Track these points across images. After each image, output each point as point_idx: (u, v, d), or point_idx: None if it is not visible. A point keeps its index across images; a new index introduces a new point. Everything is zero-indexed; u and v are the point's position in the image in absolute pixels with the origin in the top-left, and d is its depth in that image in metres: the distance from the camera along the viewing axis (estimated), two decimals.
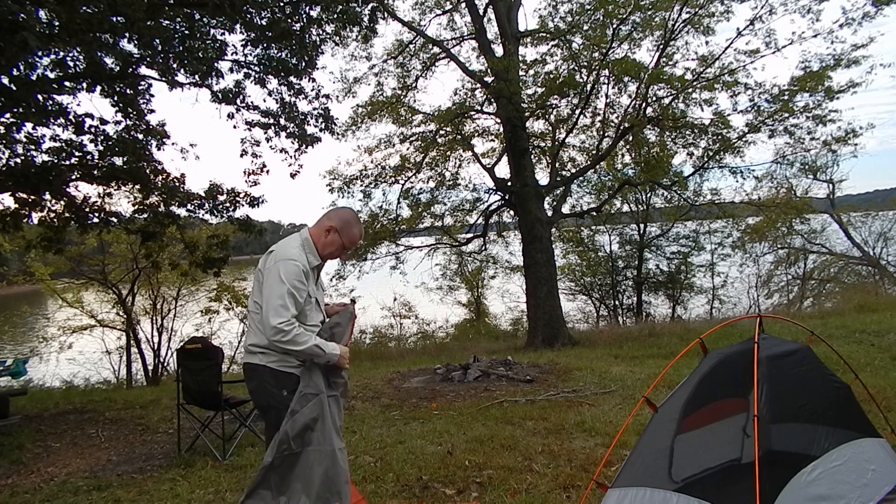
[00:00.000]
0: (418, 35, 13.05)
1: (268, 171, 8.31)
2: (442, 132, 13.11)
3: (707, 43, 11.40)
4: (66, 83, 6.57)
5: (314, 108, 7.97)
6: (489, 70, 12.09)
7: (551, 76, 11.70)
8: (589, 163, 13.13)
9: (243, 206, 7.90)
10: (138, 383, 12.45)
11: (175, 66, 6.92)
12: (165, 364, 13.45)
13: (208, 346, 4.84)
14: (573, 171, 13.82)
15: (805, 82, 10.42)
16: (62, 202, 7.21)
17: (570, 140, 13.48)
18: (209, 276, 10.22)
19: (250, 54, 7.39)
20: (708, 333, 3.29)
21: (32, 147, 6.74)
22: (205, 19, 6.76)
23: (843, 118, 11.21)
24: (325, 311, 2.83)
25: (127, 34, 5.96)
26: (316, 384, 2.59)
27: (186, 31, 6.80)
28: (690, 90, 10.78)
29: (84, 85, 6.68)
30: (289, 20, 6.91)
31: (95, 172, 6.96)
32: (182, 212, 7.78)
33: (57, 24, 5.13)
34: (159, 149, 7.58)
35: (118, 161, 7.11)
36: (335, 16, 7.07)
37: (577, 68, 11.49)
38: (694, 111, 11.39)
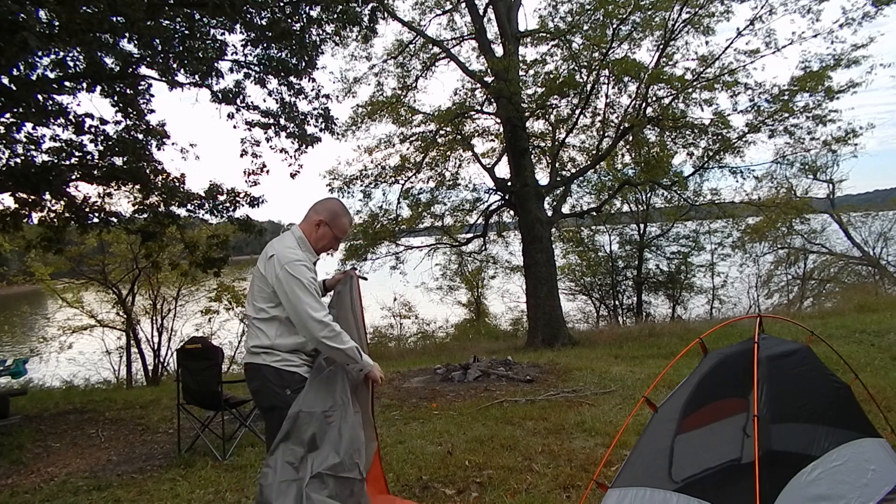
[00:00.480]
0: (418, 35, 13.05)
1: (268, 171, 8.32)
2: (442, 132, 13.12)
3: (707, 43, 11.43)
4: (66, 83, 6.58)
5: (314, 108, 7.99)
6: (489, 70, 12.10)
7: (551, 76, 11.70)
8: (589, 163, 13.13)
9: (243, 206, 7.92)
10: (138, 383, 12.45)
11: (175, 66, 6.92)
12: (165, 364, 13.45)
13: (208, 346, 4.84)
14: (573, 171, 13.82)
15: (805, 82, 10.42)
16: (62, 202, 7.21)
17: (570, 140, 13.50)
18: (209, 276, 10.23)
19: (250, 54, 7.40)
20: (708, 333, 3.29)
21: (32, 147, 6.74)
22: (205, 19, 6.76)
23: (843, 118, 11.26)
24: (326, 285, 2.90)
25: (127, 34, 5.96)
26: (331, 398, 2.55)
27: (186, 31, 6.80)
28: (690, 90, 10.78)
29: (84, 85, 6.68)
30: (289, 20, 6.91)
31: (95, 172, 6.97)
32: (182, 212, 7.79)
33: (57, 24, 5.13)
34: (159, 149, 7.59)
35: (118, 161, 7.11)
36: (335, 16, 7.07)
37: (577, 68, 11.49)
38: (694, 111, 11.41)
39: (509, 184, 12.51)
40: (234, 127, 7.92)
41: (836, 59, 10.38)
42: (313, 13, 7.10)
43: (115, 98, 7.05)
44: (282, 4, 6.88)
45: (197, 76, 7.10)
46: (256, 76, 7.57)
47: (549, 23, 12.32)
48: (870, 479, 2.68)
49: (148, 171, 7.24)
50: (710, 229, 19.40)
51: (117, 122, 7.20)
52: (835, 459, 2.61)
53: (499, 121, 12.80)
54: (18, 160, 6.60)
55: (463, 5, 12.95)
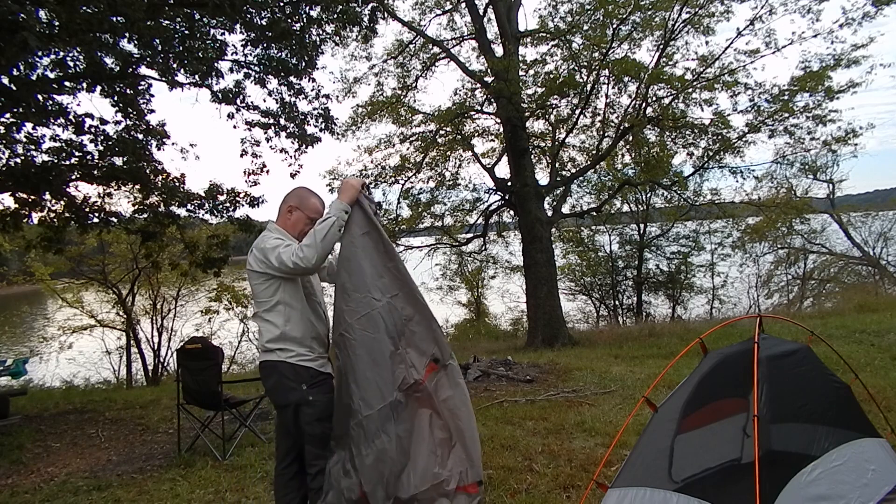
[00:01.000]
0: (418, 35, 13.05)
1: (268, 171, 8.32)
2: (442, 132, 13.12)
3: (707, 43, 11.44)
4: (66, 83, 6.57)
5: (314, 108, 7.99)
6: (489, 70, 12.09)
7: (551, 76, 11.70)
8: (589, 163, 13.13)
9: (243, 206, 7.92)
10: (138, 383, 12.45)
11: (175, 66, 6.92)
12: (165, 364, 13.46)
13: (208, 346, 4.84)
14: (573, 171, 13.82)
15: (805, 82, 10.42)
16: (62, 202, 7.21)
17: (570, 140, 13.50)
18: (209, 276, 10.23)
19: (250, 54, 7.40)
20: (708, 333, 3.29)
21: (32, 147, 6.74)
22: (205, 19, 6.76)
23: (843, 118, 11.26)
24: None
25: (127, 34, 5.96)
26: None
27: (186, 31, 6.80)
28: (690, 90, 10.78)
29: (84, 85, 6.68)
30: (289, 20, 6.91)
31: (95, 172, 6.97)
32: (182, 212, 7.79)
33: (57, 24, 5.13)
34: (159, 149, 7.59)
35: (118, 161, 7.11)
36: (335, 16, 7.06)
37: (577, 68, 11.49)
38: (694, 111, 11.41)
39: (509, 184, 12.51)
40: (234, 127, 7.94)
41: (836, 59, 10.38)
42: (313, 13, 7.10)
43: (115, 98, 7.05)
44: (282, 4, 6.88)
45: (197, 76, 7.10)
46: (256, 76, 7.57)
47: (549, 23, 12.32)
48: (870, 479, 2.68)
49: (148, 171, 7.24)
50: (710, 229, 19.40)
51: (117, 122, 7.21)
52: (835, 459, 2.60)
53: (499, 121, 12.80)
54: (18, 160, 6.60)
55: (463, 5, 12.95)
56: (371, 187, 2.89)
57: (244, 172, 8.17)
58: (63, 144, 6.90)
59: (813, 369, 2.92)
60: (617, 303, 19.80)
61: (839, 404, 2.93)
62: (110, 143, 7.02)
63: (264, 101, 8.62)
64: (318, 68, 7.76)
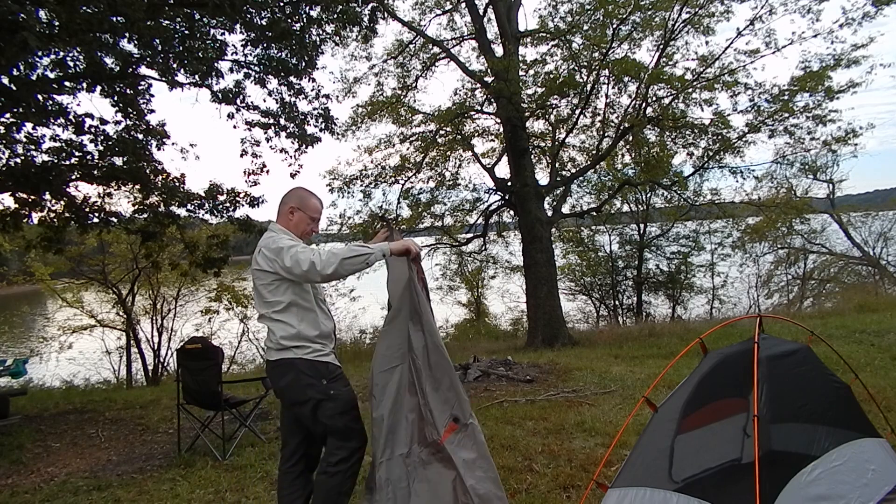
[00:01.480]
0: (418, 35, 13.05)
1: (268, 171, 8.32)
2: (442, 132, 13.11)
3: (707, 43, 11.43)
4: (66, 83, 6.57)
5: (314, 108, 7.98)
6: (489, 70, 12.09)
7: (551, 76, 11.70)
8: (589, 163, 13.13)
9: (243, 206, 7.92)
10: (138, 383, 12.45)
11: (175, 66, 6.92)
12: (165, 364, 13.46)
13: (208, 346, 4.84)
14: (573, 171, 13.82)
15: (805, 82, 10.41)
16: (62, 202, 7.21)
17: (570, 140, 13.49)
18: (209, 276, 10.24)
19: (250, 54, 7.39)
20: (708, 333, 3.29)
21: (32, 147, 6.74)
22: (205, 19, 6.76)
23: (843, 118, 11.25)
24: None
25: (127, 34, 5.96)
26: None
27: (186, 31, 6.80)
28: (690, 90, 10.78)
29: (84, 85, 6.68)
30: (289, 20, 6.91)
31: (95, 172, 6.96)
32: (182, 212, 7.79)
33: (57, 24, 5.13)
34: (159, 149, 7.59)
35: (118, 161, 7.11)
36: (335, 16, 7.06)
37: (577, 68, 11.49)
38: (694, 111, 11.41)
39: (509, 184, 12.51)
40: (234, 127, 7.93)
41: (836, 59, 10.37)
42: (313, 13, 7.10)
43: (115, 98, 7.05)
44: (282, 4, 6.87)
45: (197, 76, 7.10)
46: (256, 76, 7.57)
47: (549, 23, 12.32)
48: (870, 479, 2.68)
49: (148, 171, 7.24)
50: (710, 229, 19.40)
51: (117, 122, 7.21)
52: (835, 459, 2.61)
53: (499, 121, 12.80)
54: (18, 160, 6.60)
55: (463, 5, 12.95)
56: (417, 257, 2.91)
57: (244, 172, 8.18)
58: (63, 144, 6.90)
59: (813, 369, 2.92)
60: (617, 303, 19.80)
61: (839, 404, 2.93)
62: (110, 143, 7.02)
63: (264, 101, 8.63)
64: (318, 68, 7.77)
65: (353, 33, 9.49)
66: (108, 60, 6.56)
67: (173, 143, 7.74)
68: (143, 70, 7.13)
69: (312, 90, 7.91)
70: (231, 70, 7.46)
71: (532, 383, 6.71)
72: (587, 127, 13.13)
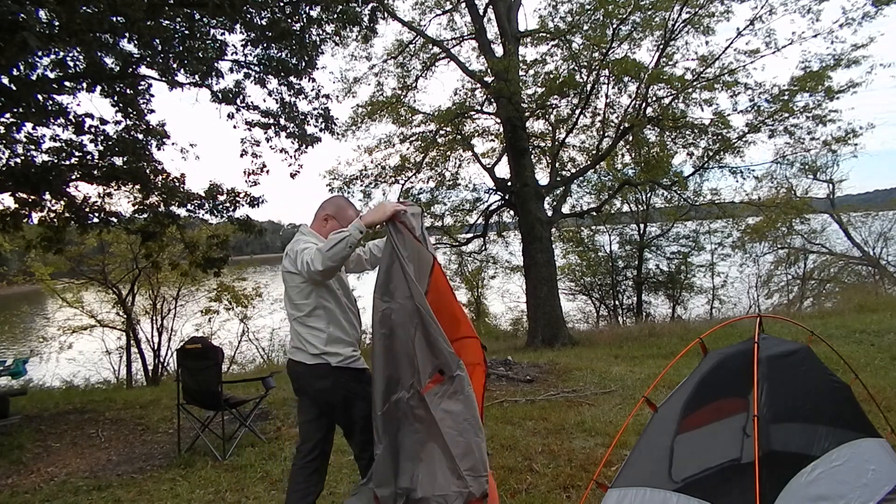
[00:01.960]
0: (418, 35, 13.06)
1: (268, 171, 8.31)
2: (442, 132, 13.12)
3: (707, 43, 11.44)
4: (66, 83, 6.57)
5: (314, 108, 7.98)
6: (489, 70, 12.09)
7: (551, 76, 11.70)
8: (589, 163, 13.13)
9: (243, 206, 7.91)
10: (138, 383, 12.45)
11: (175, 66, 6.92)
12: (165, 364, 13.46)
13: (208, 346, 4.84)
14: (573, 171, 13.82)
15: (805, 82, 10.42)
16: (62, 202, 7.20)
17: (570, 140, 13.50)
18: (209, 276, 10.23)
19: (250, 54, 7.39)
20: (708, 333, 3.29)
21: (32, 147, 6.74)
22: (205, 19, 6.75)
23: (843, 118, 11.24)
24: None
25: (127, 34, 5.96)
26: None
27: (186, 31, 6.79)
28: (690, 90, 10.78)
29: (84, 85, 6.68)
30: (289, 20, 6.91)
31: (95, 172, 6.96)
32: (182, 212, 7.78)
33: (57, 24, 5.13)
34: (159, 149, 7.58)
35: (118, 161, 7.10)
36: (335, 16, 7.06)
37: (577, 68, 11.49)
38: (694, 111, 11.41)
39: (509, 184, 12.51)
40: (234, 127, 7.93)
41: (836, 59, 10.38)
42: (313, 13, 7.10)
43: (115, 98, 7.05)
44: (282, 4, 6.87)
45: (197, 76, 7.09)
46: (256, 76, 7.57)
47: (549, 23, 12.32)
48: (870, 479, 2.68)
49: (148, 171, 7.24)
50: (710, 229, 19.40)
51: (117, 122, 7.20)
52: (835, 459, 2.61)
53: (499, 121, 12.80)
54: (18, 160, 6.59)
55: (463, 5, 12.95)
56: (415, 213, 2.79)
57: (244, 172, 8.17)
58: (63, 144, 6.90)
59: (813, 369, 2.92)
60: (617, 303, 19.80)
61: (839, 404, 2.93)
62: (110, 143, 7.02)
63: (264, 101, 8.66)
64: (318, 68, 7.76)
65: (353, 33, 9.49)
66: (108, 60, 6.56)
67: (173, 143, 7.74)
68: (143, 70, 7.13)
69: (312, 90, 7.91)
70: (231, 70, 7.47)
71: (532, 383, 6.71)
72: (587, 127, 13.14)
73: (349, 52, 12.94)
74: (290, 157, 8.11)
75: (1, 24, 4.12)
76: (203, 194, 7.67)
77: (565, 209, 14.67)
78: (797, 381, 2.79)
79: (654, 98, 11.12)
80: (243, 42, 7.23)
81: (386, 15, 11.08)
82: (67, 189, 7.07)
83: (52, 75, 6.41)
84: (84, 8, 5.09)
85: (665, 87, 10.87)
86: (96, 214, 7.33)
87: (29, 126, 6.56)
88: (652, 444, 2.85)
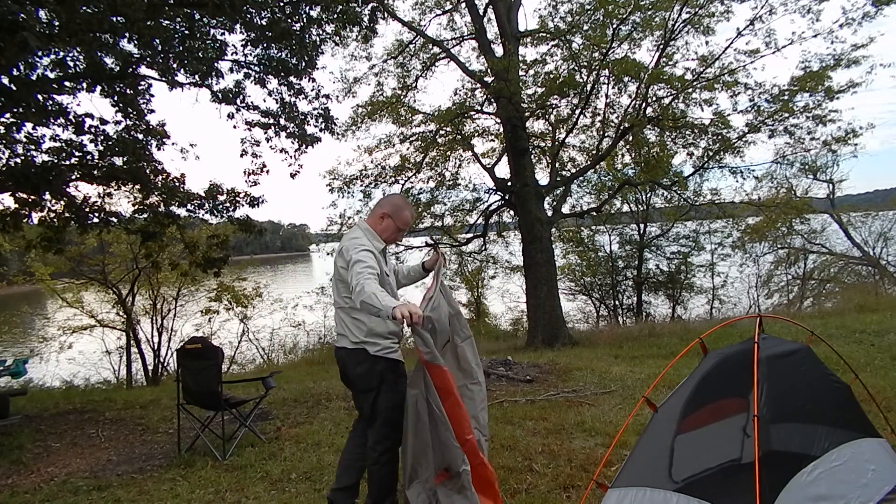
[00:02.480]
0: (418, 35, 13.05)
1: (268, 171, 8.32)
2: (442, 132, 13.11)
3: (707, 43, 11.41)
4: (66, 83, 6.57)
5: (314, 108, 7.98)
6: (489, 70, 12.09)
7: (551, 76, 11.69)
8: (589, 163, 13.12)
9: (243, 206, 7.92)
10: (138, 383, 12.45)
11: (175, 66, 6.92)
12: (165, 364, 13.46)
13: (208, 346, 4.84)
14: (573, 171, 13.81)
15: (805, 82, 10.41)
16: (62, 202, 7.21)
17: (570, 140, 13.48)
18: (209, 276, 10.23)
19: (250, 54, 7.39)
20: (708, 333, 3.29)
21: (32, 147, 6.74)
22: (205, 19, 6.76)
23: (843, 118, 11.22)
24: (426, 266, 3.33)
25: (127, 34, 5.96)
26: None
27: (186, 31, 6.79)
28: (690, 90, 10.77)
29: (84, 85, 6.68)
30: (289, 20, 6.91)
31: (95, 172, 6.96)
32: (182, 212, 7.78)
33: (57, 24, 5.13)
34: (159, 149, 7.59)
35: (118, 161, 7.10)
36: (335, 16, 7.06)
37: (577, 68, 11.48)
38: (694, 111, 11.39)
39: (509, 184, 12.50)
40: (234, 127, 7.93)
41: (836, 59, 10.36)
42: (313, 13, 7.10)
43: (115, 98, 7.04)
44: (282, 4, 6.87)
45: (197, 76, 7.09)
46: (256, 76, 7.57)
47: (549, 23, 12.31)
48: (870, 479, 2.68)
49: (148, 171, 7.24)
50: (710, 229, 19.40)
51: (117, 122, 7.20)
52: (835, 459, 2.61)
53: (499, 121, 12.80)
54: (18, 160, 6.59)
55: (463, 5, 12.95)
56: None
57: (244, 172, 8.17)
58: (63, 144, 6.90)
59: (813, 369, 2.92)
60: (617, 303, 19.80)
61: (839, 404, 2.93)
62: (110, 143, 7.02)
63: (264, 101, 8.66)
64: (318, 68, 7.76)
65: (353, 33, 9.50)
66: (108, 60, 6.56)
67: (173, 143, 7.74)
68: (143, 70, 7.13)
69: (312, 90, 7.91)
70: (231, 70, 7.47)
71: (532, 383, 6.71)
72: (587, 127, 13.13)
73: (349, 52, 12.95)
74: (290, 157, 8.12)
75: (1, 24, 4.11)
76: (203, 194, 7.67)
77: (565, 209, 14.68)
78: (797, 381, 2.79)
79: (654, 98, 11.12)
80: (243, 42, 7.24)
81: (386, 15, 11.08)
82: (67, 189, 7.06)
83: (52, 75, 6.41)
84: (84, 8, 5.09)
85: (665, 87, 10.87)
86: (96, 214, 7.33)
87: (29, 126, 6.56)
88: (652, 444, 2.85)
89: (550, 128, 13.54)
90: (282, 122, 7.85)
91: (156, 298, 13.88)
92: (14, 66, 5.51)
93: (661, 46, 10.88)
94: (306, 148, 8.04)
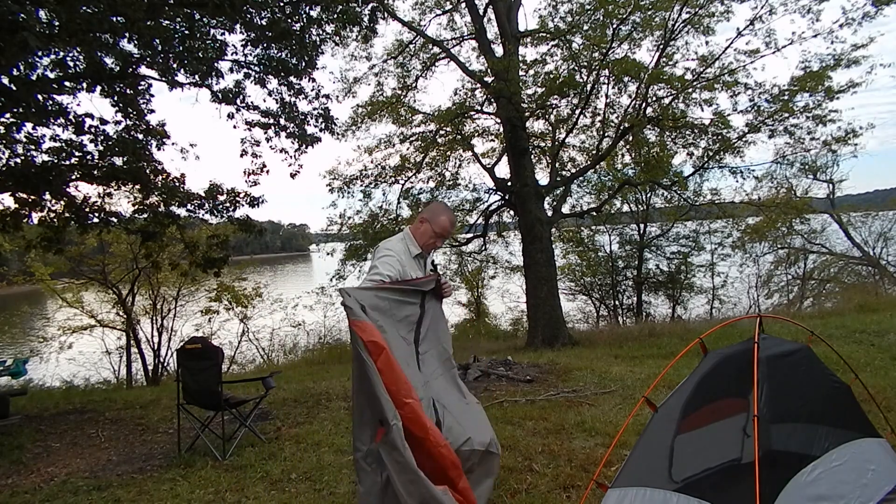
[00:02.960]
0: (418, 35, 13.05)
1: (268, 171, 8.32)
2: (442, 132, 13.11)
3: (707, 43, 11.40)
4: (66, 83, 6.58)
5: (314, 108, 7.98)
6: (489, 70, 12.08)
7: (551, 76, 11.69)
8: (589, 163, 13.12)
9: (243, 206, 7.93)
10: (138, 383, 12.46)
11: (175, 66, 6.92)
12: (165, 364, 13.46)
13: (208, 346, 4.84)
14: (573, 171, 13.81)
15: (805, 82, 10.40)
16: (62, 202, 7.21)
17: (570, 140, 13.48)
18: (209, 276, 10.24)
19: (250, 54, 7.39)
20: (708, 333, 3.29)
21: (32, 147, 6.74)
22: (205, 19, 6.76)
23: (843, 118, 11.24)
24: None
25: (127, 34, 5.96)
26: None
27: (186, 31, 6.79)
28: (690, 90, 10.76)
29: (84, 85, 6.68)
30: (289, 20, 6.91)
31: (95, 172, 6.97)
32: (182, 212, 7.79)
33: (57, 24, 5.13)
34: (159, 149, 7.60)
35: (118, 161, 7.11)
36: (335, 16, 7.06)
37: (577, 68, 11.48)
38: (694, 111, 11.38)
39: (509, 184, 12.50)
40: (234, 127, 7.94)
41: (836, 59, 10.36)
42: (313, 13, 7.10)
43: (115, 98, 7.05)
44: (282, 4, 6.88)
45: (197, 76, 7.10)
46: (256, 76, 7.57)
47: (549, 23, 12.31)
48: (870, 479, 2.68)
49: (148, 171, 7.25)
50: (710, 229, 19.39)
51: (117, 122, 7.21)
52: (835, 459, 2.61)
53: (499, 121, 12.80)
54: (18, 160, 6.60)
55: (463, 5, 12.95)
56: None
57: (244, 172, 8.18)
58: (63, 144, 6.91)
59: (813, 369, 2.92)
60: (617, 303, 19.79)
61: (839, 404, 2.93)
62: (110, 143, 7.02)
63: (264, 101, 8.64)
64: (318, 68, 7.77)
65: (353, 33, 9.49)
66: (108, 60, 6.56)
67: (173, 143, 7.75)
68: (143, 70, 7.14)
69: (312, 90, 7.92)
70: (231, 70, 7.48)
71: (532, 383, 6.71)
72: (587, 127, 13.13)
73: (349, 52, 12.95)
74: (290, 157, 8.12)
75: (1, 24, 4.12)
76: (203, 194, 7.68)
77: (565, 209, 14.68)
78: (797, 381, 2.79)
79: (654, 98, 11.11)
80: (243, 42, 7.24)
81: (386, 15, 11.07)
82: (67, 189, 7.07)
83: (52, 75, 6.42)
84: (84, 8, 5.10)
85: (665, 87, 10.86)
86: (96, 214, 7.33)
87: (29, 126, 6.57)
88: (652, 444, 2.85)
89: (550, 128, 13.54)
90: (282, 122, 7.85)
91: (156, 298, 13.88)
92: (14, 66, 5.51)
93: (661, 46, 10.88)
94: (306, 148, 8.04)
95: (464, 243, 15.61)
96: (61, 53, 6.26)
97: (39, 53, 5.83)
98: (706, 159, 11.92)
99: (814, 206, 18.95)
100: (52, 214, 7.28)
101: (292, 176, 8.32)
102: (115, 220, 7.52)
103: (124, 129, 7.25)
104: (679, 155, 12.66)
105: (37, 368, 12.52)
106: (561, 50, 12.25)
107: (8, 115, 6.25)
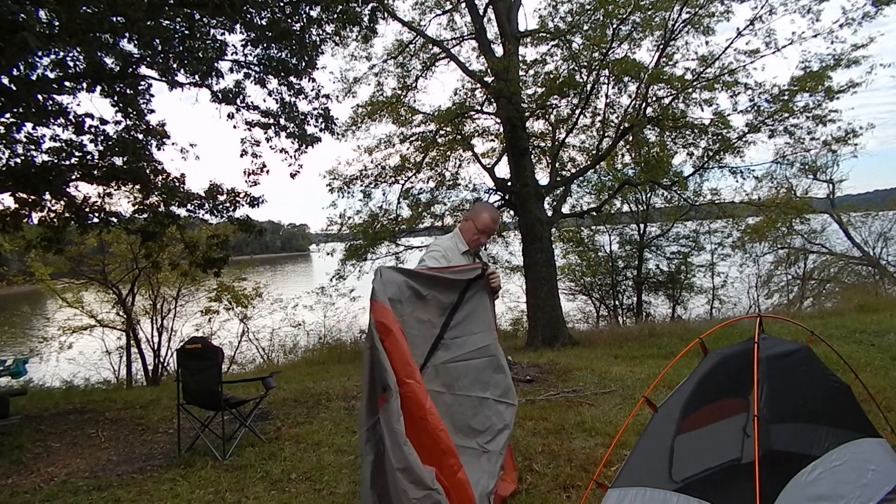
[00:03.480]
0: (418, 35, 13.04)
1: (268, 171, 8.32)
2: (442, 132, 13.10)
3: (707, 43, 11.39)
4: (66, 83, 6.57)
5: (314, 108, 7.98)
6: (489, 70, 12.08)
7: (551, 76, 11.69)
8: (589, 163, 13.12)
9: (243, 206, 7.92)
10: (138, 383, 12.45)
11: (175, 66, 6.92)
12: (165, 364, 13.46)
13: (208, 346, 4.84)
14: (573, 171, 13.81)
15: (805, 82, 10.40)
16: (62, 202, 7.21)
17: (570, 140, 13.47)
18: (209, 276, 10.24)
19: (250, 54, 7.39)
20: (708, 333, 3.29)
21: (32, 147, 6.74)
22: (205, 19, 6.76)
23: (843, 118, 11.22)
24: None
25: (127, 34, 5.96)
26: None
27: (186, 31, 6.79)
28: (690, 90, 10.76)
29: (84, 85, 6.68)
30: (289, 20, 6.91)
31: (95, 172, 6.96)
32: (182, 212, 7.79)
33: (57, 24, 5.13)
34: (159, 149, 7.59)
35: (118, 161, 7.11)
36: (335, 16, 7.06)
37: (577, 68, 11.47)
38: (694, 111, 11.37)
39: (509, 184, 12.50)
40: (234, 127, 7.93)
41: (836, 59, 10.35)
42: (313, 13, 7.10)
43: (115, 98, 7.05)
44: (282, 4, 6.88)
45: (197, 76, 7.10)
46: (256, 76, 7.57)
47: (549, 23, 12.30)
48: (870, 479, 2.68)
49: (148, 171, 7.25)
50: (710, 229, 19.38)
51: (117, 122, 7.21)
52: (835, 459, 2.61)
53: (499, 121, 12.79)
54: (18, 160, 6.60)
55: (463, 5, 12.94)
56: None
57: (244, 172, 8.18)
58: (63, 144, 6.90)
59: (813, 369, 2.92)
60: (617, 303, 19.78)
61: (839, 404, 2.93)
62: (110, 143, 7.02)
63: (264, 101, 8.64)
64: (318, 68, 7.77)
65: (353, 33, 9.49)
66: (108, 60, 6.56)
67: (173, 143, 7.75)
68: (143, 70, 7.13)
69: (312, 90, 7.91)
70: (231, 70, 7.48)
71: (532, 383, 6.71)
72: (587, 127, 13.12)
73: (349, 52, 12.93)
74: (290, 157, 8.12)
75: (1, 24, 4.12)
76: (203, 194, 7.68)
77: (565, 209, 14.67)
78: (797, 381, 2.79)
79: (654, 98, 11.11)
80: (243, 42, 7.24)
81: (386, 15, 11.07)
82: (67, 189, 7.07)
83: (52, 75, 6.42)
84: (84, 8, 5.10)
85: (665, 87, 10.86)
86: (96, 214, 7.33)
87: (29, 126, 6.57)
88: (652, 444, 2.85)
89: (550, 128, 13.54)
90: (282, 122, 7.85)
91: (156, 298, 13.88)
92: (14, 66, 5.51)
93: (661, 46, 10.87)
94: (306, 148, 8.04)
95: None
96: (61, 53, 6.26)
97: (39, 53, 5.83)
98: (706, 159, 11.92)
99: (814, 206, 18.94)
100: (52, 214, 7.28)
101: (292, 176, 8.33)
102: (115, 220, 7.52)
103: (124, 129, 7.24)
104: (679, 155, 12.67)
105: (37, 368, 12.52)
106: (561, 50, 12.24)
107: (8, 115, 6.25)
